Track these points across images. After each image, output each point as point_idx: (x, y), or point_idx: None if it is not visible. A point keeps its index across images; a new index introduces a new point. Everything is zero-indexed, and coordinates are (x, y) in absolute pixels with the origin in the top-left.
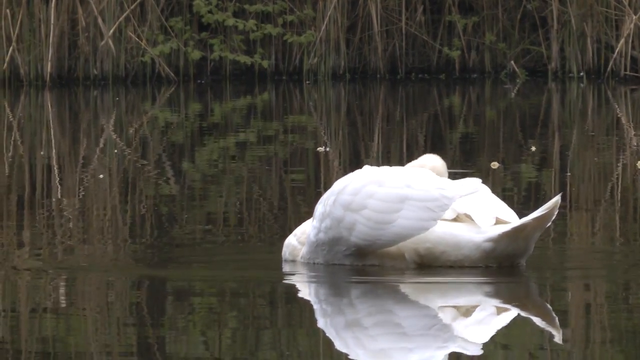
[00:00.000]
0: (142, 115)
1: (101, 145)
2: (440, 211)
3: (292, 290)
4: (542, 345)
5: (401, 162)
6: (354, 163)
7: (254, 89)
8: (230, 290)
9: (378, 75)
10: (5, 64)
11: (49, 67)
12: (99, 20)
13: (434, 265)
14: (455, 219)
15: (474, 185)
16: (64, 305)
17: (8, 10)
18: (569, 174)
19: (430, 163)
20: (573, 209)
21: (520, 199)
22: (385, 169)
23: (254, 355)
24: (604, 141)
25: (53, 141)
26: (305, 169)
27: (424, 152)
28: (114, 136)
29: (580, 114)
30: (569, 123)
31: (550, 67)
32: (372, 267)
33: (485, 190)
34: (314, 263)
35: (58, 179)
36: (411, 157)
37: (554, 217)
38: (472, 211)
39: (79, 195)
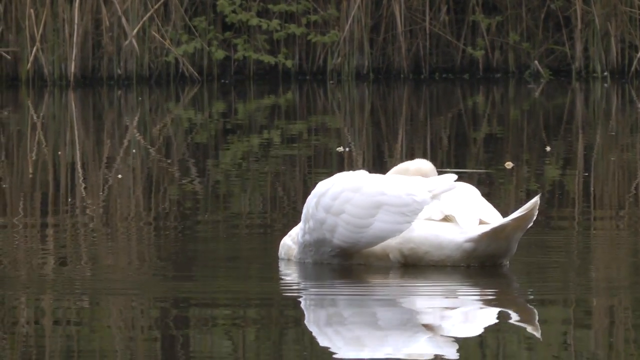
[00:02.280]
0: (165, 115)
1: (125, 145)
2: (413, 215)
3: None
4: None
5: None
6: (377, 163)
7: (277, 88)
8: (250, 294)
9: (402, 75)
10: (29, 64)
11: (72, 67)
12: (123, 20)
13: (418, 265)
14: (443, 220)
15: (448, 183)
16: (87, 306)
17: (32, 10)
18: (586, 174)
19: (414, 166)
20: (584, 209)
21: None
22: (363, 174)
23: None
24: (627, 141)
25: (77, 141)
26: (329, 169)
27: (448, 152)
28: (138, 136)
29: (604, 113)
30: (592, 123)
31: (574, 66)
32: (358, 265)
33: (473, 192)
34: (304, 262)
35: (82, 178)
36: (435, 157)
37: (534, 218)
38: (456, 213)
39: (102, 195)
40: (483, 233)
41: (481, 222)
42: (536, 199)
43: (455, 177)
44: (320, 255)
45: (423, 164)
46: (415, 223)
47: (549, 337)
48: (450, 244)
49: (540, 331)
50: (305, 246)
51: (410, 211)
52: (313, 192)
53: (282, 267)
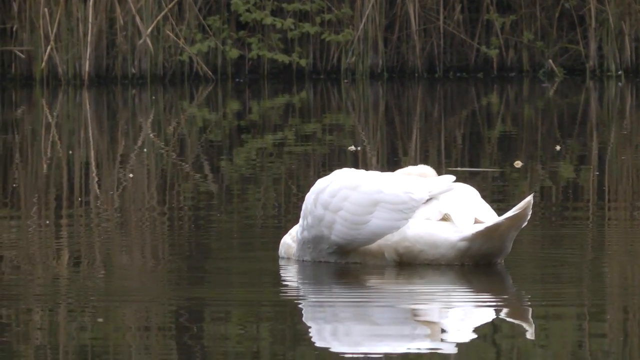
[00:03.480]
0: (180, 114)
1: (139, 144)
2: (410, 212)
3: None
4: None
5: (439, 161)
6: (391, 162)
7: (291, 87)
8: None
9: (416, 74)
10: (44, 63)
11: (87, 66)
12: (137, 19)
13: (413, 263)
14: (442, 219)
15: (446, 184)
16: (101, 305)
17: (46, 9)
18: (597, 172)
19: (417, 171)
20: (598, 207)
21: (542, 197)
22: (361, 172)
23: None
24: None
25: (91, 140)
26: (342, 167)
27: (462, 151)
28: (152, 135)
29: (619, 112)
30: (606, 122)
31: (588, 65)
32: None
33: (471, 192)
34: (303, 260)
35: (96, 178)
36: (449, 155)
37: (528, 217)
38: (453, 212)
39: (116, 194)
40: (477, 232)
41: (477, 222)
42: (529, 198)
43: (454, 178)
44: (318, 252)
45: (426, 170)
46: (411, 222)
47: (551, 337)
48: (445, 242)
49: (534, 331)
50: (304, 243)
51: (407, 208)
52: (312, 189)
53: (282, 268)
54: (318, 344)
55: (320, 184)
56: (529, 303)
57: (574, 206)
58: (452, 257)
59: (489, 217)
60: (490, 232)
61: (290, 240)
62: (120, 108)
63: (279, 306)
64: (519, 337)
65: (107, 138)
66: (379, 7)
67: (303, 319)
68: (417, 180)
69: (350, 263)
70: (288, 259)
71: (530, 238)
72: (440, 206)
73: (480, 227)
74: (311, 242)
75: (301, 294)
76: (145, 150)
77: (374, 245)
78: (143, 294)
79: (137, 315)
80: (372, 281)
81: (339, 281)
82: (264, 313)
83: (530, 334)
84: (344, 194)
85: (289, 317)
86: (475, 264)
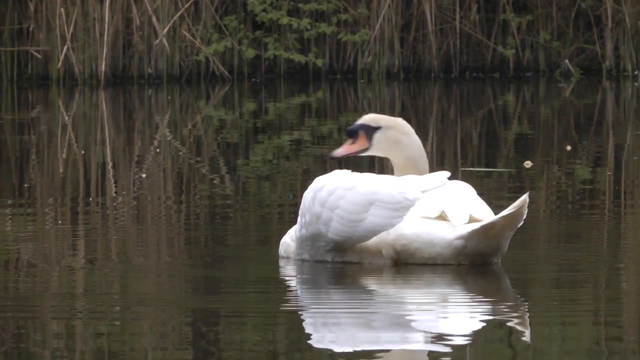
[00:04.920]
0: (196, 114)
1: (155, 144)
2: (405, 211)
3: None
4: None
5: (455, 161)
6: None
7: (308, 87)
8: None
9: (432, 74)
10: (60, 63)
11: (103, 66)
12: (153, 19)
13: (409, 262)
14: (438, 217)
15: (440, 180)
16: (117, 308)
17: (62, 9)
18: (609, 172)
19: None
20: (610, 208)
21: (551, 197)
22: (357, 174)
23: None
24: None
25: (107, 140)
26: (359, 167)
27: (478, 151)
28: (168, 135)
29: (635, 112)
30: (623, 122)
31: (605, 65)
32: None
33: (467, 189)
34: (301, 259)
35: (113, 180)
36: (465, 156)
37: (524, 216)
38: (448, 208)
39: (132, 193)
40: (473, 230)
41: (472, 218)
42: (525, 197)
43: (448, 174)
44: (316, 250)
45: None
46: (408, 220)
47: (550, 336)
48: (441, 241)
49: (529, 331)
50: (302, 241)
51: (402, 207)
52: (309, 187)
53: (283, 268)
54: (318, 347)
55: (318, 182)
56: (532, 307)
57: (590, 204)
58: (449, 255)
59: (485, 213)
60: (486, 231)
61: (289, 239)
62: (136, 108)
63: (283, 315)
64: (520, 341)
65: (123, 138)
66: (395, 7)
67: (316, 328)
68: (411, 179)
69: (347, 262)
70: (287, 258)
71: (544, 237)
72: (437, 203)
73: (476, 226)
74: (309, 240)
75: (310, 303)
76: (159, 150)
77: (371, 244)
78: (160, 299)
79: (154, 319)
80: (372, 285)
81: (337, 286)
82: (278, 321)
83: (525, 336)
84: (340, 193)
85: (296, 326)
86: (471, 264)
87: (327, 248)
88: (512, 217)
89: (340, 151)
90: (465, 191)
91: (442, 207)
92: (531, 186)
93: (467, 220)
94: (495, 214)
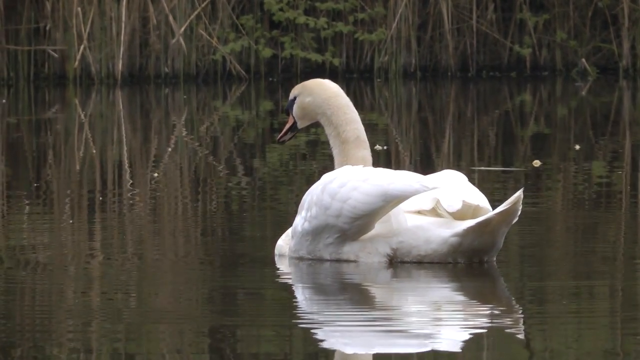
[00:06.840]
0: (212, 113)
1: (172, 143)
2: (423, 188)
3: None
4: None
5: (471, 160)
6: (424, 161)
7: None
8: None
9: (449, 73)
10: (77, 62)
11: (120, 65)
12: (170, 18)
13: (405, 260)
14: (432, 210)
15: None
16: (133, 306)
17: (79, 9)
18: (620, 172)
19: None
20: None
21: (559, 196)
22: (370, 169)
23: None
24: None
25: (124, 139)
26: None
27: (495, 150)
28: (185, 134)
29: None
30: (639, 121)
31: (622, 64)
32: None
33: (459, 176)
34: (298, 257)
35: (129, 180)
36: (482, 155)
37: (518, 213)
38: (441, 196)
39: (149, 193)
40: (469, 227)
41: (465, 204)
42: (519, 193)
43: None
44: (315, 245)
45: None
46: (404, 218)
47: (550, 337)
48: (437, 238)
49: (526, 332)
50: (302, 236)
51: (421, 185)
52: (318, 182)
53: (282, 268)
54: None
55: (328, 177)
56: (532, 307)
57: (606, 202)
58: (445, 252)
59: (477, 198)
60: (481, 228)
61: (282, 241)
62: (153, 108)
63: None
64: (520, 343)
65: (140, 137)
66: (412, 6)
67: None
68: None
69: (343, 260)
70: (281, 255)
71: (560, 236)
72: (430, 193)
73: (471, 223)
74: (310, 234)
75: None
76: (177, 149)
77: (368, 241)
78: (175, 313)
79: (170, 331)
80: (372, 289)
81: (336, 285)
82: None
83: (522, 338)
84: (353, 184)
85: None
86: (467, 261)
87: (329, 241)
88: (507, 214)
89: (281, 134)
90: (456, 178)
91: (435, 195)
92: (545, 186)
93: (460, 207)
94: (493, 208)
